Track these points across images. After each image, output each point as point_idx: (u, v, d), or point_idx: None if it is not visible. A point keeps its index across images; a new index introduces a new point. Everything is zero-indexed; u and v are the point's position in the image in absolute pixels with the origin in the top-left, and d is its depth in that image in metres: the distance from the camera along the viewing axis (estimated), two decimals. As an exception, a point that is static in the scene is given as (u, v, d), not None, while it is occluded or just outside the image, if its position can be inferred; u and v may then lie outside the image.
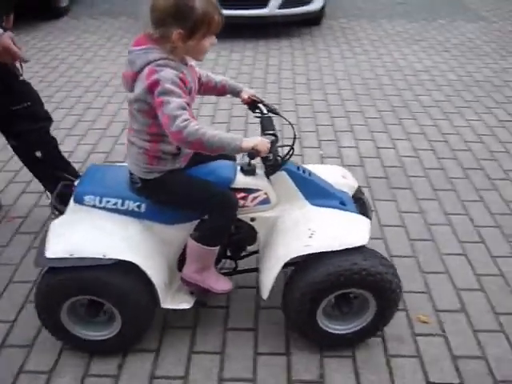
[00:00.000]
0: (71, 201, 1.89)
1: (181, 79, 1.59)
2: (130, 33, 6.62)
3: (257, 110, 1.98)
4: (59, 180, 2.16)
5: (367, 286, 1.80)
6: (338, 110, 4.43)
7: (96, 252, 1.71)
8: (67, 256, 1.70)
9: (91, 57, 5.80)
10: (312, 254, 1.76)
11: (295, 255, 1.77)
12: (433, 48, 6.20)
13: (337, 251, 1.74)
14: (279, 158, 1.82)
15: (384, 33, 6.83)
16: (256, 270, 2.08)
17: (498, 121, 4.27)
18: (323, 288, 1.79)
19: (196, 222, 1.88)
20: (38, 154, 2.42)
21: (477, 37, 6.66)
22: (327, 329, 1.96)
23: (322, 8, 6.79)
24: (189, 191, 1.81)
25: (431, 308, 2.27)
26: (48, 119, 2.44)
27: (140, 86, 1.61)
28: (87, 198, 1.84)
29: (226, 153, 1.70)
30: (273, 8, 6.30)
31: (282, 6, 6.31)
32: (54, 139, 2.52)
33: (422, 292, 2.37)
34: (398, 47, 6.23)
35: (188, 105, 1.61)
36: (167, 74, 1.57)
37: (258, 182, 1.89)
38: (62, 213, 1.95)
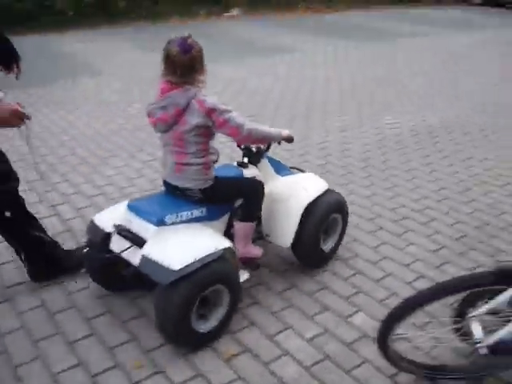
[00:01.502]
0: (153, 226, 2.11)
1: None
2: None
3: None
4: (27, 236, 2.41)
5: None
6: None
7: (209, 249, 2.07)
8: (192, 261, 2.00)
9: None
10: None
11: (308, 201, 2.52)
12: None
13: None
14: (263, 150, 2.62)
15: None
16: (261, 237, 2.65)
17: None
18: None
19: (227, 216, 2.43)
20: (8, 213, 2.39)
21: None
22: None
23: None
24: (232, 186, 2.40)
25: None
26: (17, 179, 2.41)
27: (196, 116, 2.07)
28: (167, 218, 2.14)
29: (273, 141, 2.47)
30: None
31: None
32: (22, 198, 2.49)
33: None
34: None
35: None
36: (213, 100, 2.08)
37: (253, 170, 2.53)
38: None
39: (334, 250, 2.80)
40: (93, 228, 2.32)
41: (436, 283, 1.68)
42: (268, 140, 2.43)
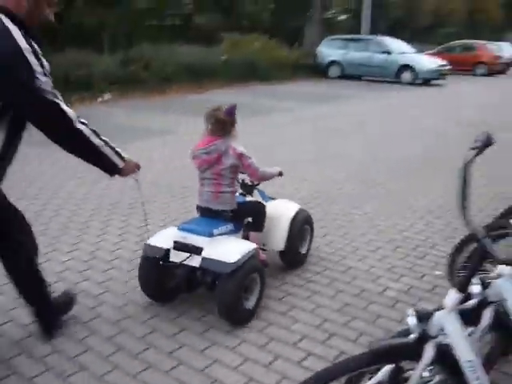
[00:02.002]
0: (206, 238, 2.92)
1: None
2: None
3: None
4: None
5: None
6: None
7: (247, 249, 2.93)
8: (240, 257, 2.83)
9: None
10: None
11: (291, 216, 3.50)
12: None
13: None
14: (255, 184, 3.53)
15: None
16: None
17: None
18: None
19: (242, 229, 3.27)
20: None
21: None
22: None
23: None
24: (249, 207, 3.33)
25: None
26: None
27: (231, 159, 2.99)
28: (214, 232, 2.97)
29: (273, 178, 3.39)
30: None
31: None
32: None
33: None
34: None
35: None
36: (242, 148, 3.04)
37: (252, 198, 3.49)
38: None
39: (307, 253, 3.79)
40: (150, 249, 3.02)
41: (311, 376, 1.66)
42: (270, 178, 3.36)
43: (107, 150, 2.43)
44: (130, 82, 13.11)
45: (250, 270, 2.93)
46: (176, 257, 2.95)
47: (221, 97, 12.90)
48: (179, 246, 2.95)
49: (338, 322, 3.00)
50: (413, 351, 1.66)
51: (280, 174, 3.46)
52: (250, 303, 3.00)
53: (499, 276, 1.78)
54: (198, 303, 3.14)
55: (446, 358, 1.67)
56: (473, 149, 1.60)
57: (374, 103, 13.18)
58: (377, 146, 7.92)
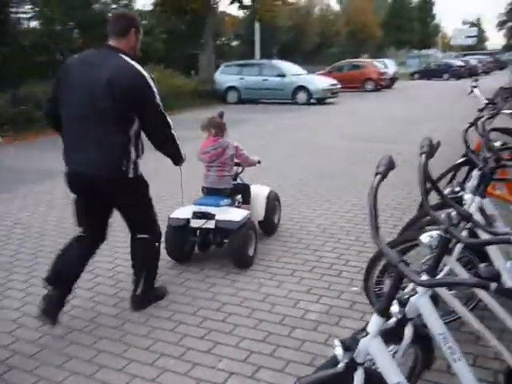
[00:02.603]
0: (216, 208, 4.05)
1: None
2: None
3: None
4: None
5: None
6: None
7: (245, 214, 4.15)
8: (243, 218, 4.08)
9: None
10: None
11: (266, 195, 4.71)
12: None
13: None
14: (239, 172, 4.77)
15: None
16: None
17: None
18: None
19: (235, 203, 4.39)
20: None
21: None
22: None
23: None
24: (241, 187, 4.59)
25: None
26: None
27: (231, 150, 4.23)
28: (221, 203, 4.10)
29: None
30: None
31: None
32: None
33: None
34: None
35: None
36: (237, 143, 4.33)
37: (239, 181, 4.75)
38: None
39: (278, 222, 5.05)
40: (174, 220, 4.13)
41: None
42: (254, 164, 4.65)
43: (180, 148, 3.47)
44: (21, 122, 12.45)
45: (248, 228, 4.14)
46: (195, 223, 4.07)
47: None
48: (198, 215, 4.06)
49: (263, 353, 2.96)
50: (343, 380, 1.66)
51: (259, 162, 4.71)
52: (251, 252, 4.19)
53: (414, 293, 1.84)
54: (116, 327, 2.97)
55: (375, 382, 1.68)
56: (377, 174, 1.64)
57: (272, 125, 13.50)
58: (276, 167, 8.06)
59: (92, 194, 3.23)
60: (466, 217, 1.79)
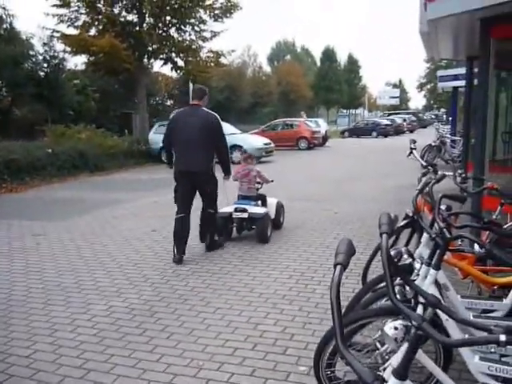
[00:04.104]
0: (250, 206, 6.89)
1: None
2: None
3: None
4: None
5: None
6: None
7: (265, 209, 7.13)
8: (266, 211, 7.02)
9: None
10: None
11: (276, 203, 7.51)
12: None
13: None
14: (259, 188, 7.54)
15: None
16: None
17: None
18: None
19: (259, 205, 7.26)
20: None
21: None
22: None
23: None
24: (262, 196, 7.29)
25: None
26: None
27: (255, 172, 7.12)
28: (252, 204, 6.94)
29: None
30: None
31: None
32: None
33: None
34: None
35: None
36: (258, 168, 7.32)
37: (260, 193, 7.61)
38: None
39: (283, 222, 7.63)
40: (222, 213, 6.65)
41: None
42: (268, 183, 7.32)
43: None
44: None
45: (267, 218, 6.85)
46: (235, 215, 6.74)
47: (49, 194, 11.99)
48: (237, 209, 6.71)
49: None
50: None
51: (272, 181, 7.39)
52: (269, 233, 6.90)
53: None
54: None
55: None
56: (336, 264, 1.39)
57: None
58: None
59: (190, 182, 6.05)
60: (434, 304, 1.56)
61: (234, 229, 7.03)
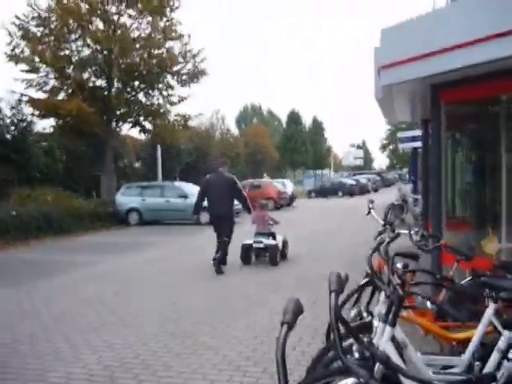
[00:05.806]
0: (266, 239, 9.96)
1: None
2: None
3: None
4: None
5: None
6: None
7: (275, 241, 10.23)
8: (276, 243, 10.05)
9: None
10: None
11: (282, 239, 10.38)
12: None
13: None
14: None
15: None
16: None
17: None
18: None
19: (271, 238, 10.38)
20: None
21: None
22: None
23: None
24: (273, 233, 10.17)
25: None
26: None
27: (267, 216, 10.37)
28: (267, 240, 9.96)
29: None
30: None
31: None
32: None
33: None
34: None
35: None
36: (270, 215, 10.93)
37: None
38: None
39: (287, 253, 10.43)
40: (245, 244, 9.98)
41: None
42: (277, 224, 10.41)
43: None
44: None
45: (277, 248, 9.78)
46: (255, 245, 9.79)
47: (16, 257, 11.69)
48: (256, 241, 9.77)
49: None
50: None
51: (275, 222, 10.22)
52: (278, 259, 9.80)
53: None
54: None
55: None
56: (283, 323, 1.43)
57: (175, 246, 13.24)
58: (180, 295, 7.69)
59: (219, 221, 9.45)
60: (382, 360, 1.61)
61: (254, 255, 10.05)
